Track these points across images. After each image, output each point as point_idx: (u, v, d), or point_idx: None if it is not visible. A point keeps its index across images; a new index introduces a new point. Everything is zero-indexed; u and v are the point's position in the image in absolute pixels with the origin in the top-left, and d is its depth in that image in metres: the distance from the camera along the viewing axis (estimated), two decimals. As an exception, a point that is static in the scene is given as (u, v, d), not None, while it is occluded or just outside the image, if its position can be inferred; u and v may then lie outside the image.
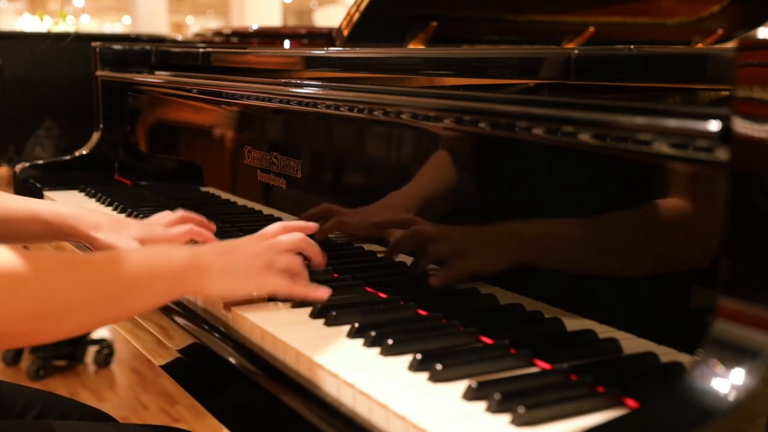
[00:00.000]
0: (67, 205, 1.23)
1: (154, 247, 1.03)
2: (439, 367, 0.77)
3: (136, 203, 1.60)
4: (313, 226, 1.09)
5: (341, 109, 1.18)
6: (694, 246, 0.77)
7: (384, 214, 1.16)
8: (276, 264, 0.97)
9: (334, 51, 1.56)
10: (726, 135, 0.67)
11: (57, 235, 1.23)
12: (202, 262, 0.92)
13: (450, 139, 1.03)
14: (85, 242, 1.21)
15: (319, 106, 1.23)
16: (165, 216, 1.24)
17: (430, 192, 1.09)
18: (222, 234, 1.28)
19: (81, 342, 3.20)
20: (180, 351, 1.05)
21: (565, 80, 0.95)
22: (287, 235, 1.02)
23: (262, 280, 0.95)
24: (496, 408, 0.70)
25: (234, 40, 3.68)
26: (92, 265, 0.86)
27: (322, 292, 0.97)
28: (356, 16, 1.87)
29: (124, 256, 0.89)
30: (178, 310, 1.05)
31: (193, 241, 1.19)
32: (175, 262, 0.90)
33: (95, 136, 2.00)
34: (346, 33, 1.89)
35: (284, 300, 1.01)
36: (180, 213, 1.24)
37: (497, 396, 0.70)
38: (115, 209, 1.58)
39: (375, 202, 1.17)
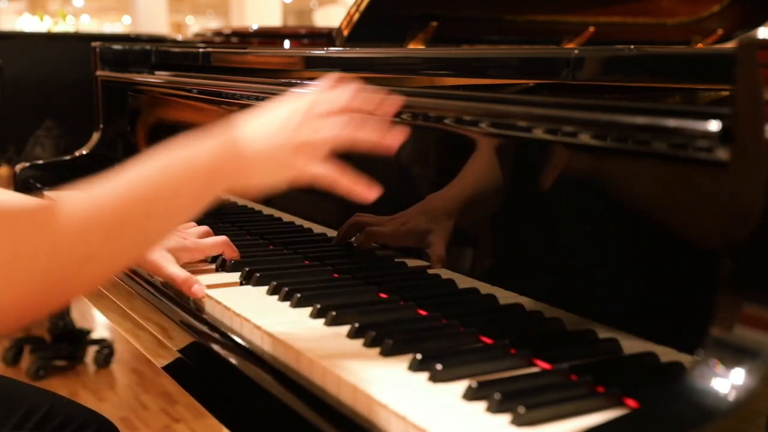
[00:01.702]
0: None
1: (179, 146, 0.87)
2: (439, 367, 0.77)
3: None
4: (398, 99, 0.92)
5: (341, 109, 1.18)
6: (693, 246, 0.77)
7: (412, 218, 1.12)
8: (319, 149, 0.86)
9: (334, 51, 1.56)
10: (726, 135, 0.67)
11: None
12: (235, 149, 0.83)
13: (450, 139, 1.03)
14: None
15: (319, 106, 1.23)
16: (191, 227, 1.21)
17: (430, 192, 1.09)
18: (222, 234, 1.28)
19: (81, 342, 3.20)
20: (180, 351, 1.05)
21: (565, 80, 0.95)
22: (333, 93, 0.88)
23: (303, 165, 0.85)
24: (496, 408, 0.70)
25: (234, 40, 3.68)
26: (102, 201, 0.76)
27: (363, 191, 0.87)
28: (356, 16, 1.88)
29: (139, 176, 0.79)
30: (178, 310, 1.05)
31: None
32: (203, 160, 0.82)
33: (95, 136, 2.00)
34: (346, 33, 1.89)
35: (284, 300, 1.01)
36: (205, 228, 1.22)
37: (497, 396, 0.70)
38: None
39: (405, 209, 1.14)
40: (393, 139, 0.87)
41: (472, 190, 1.04)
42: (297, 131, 0.86)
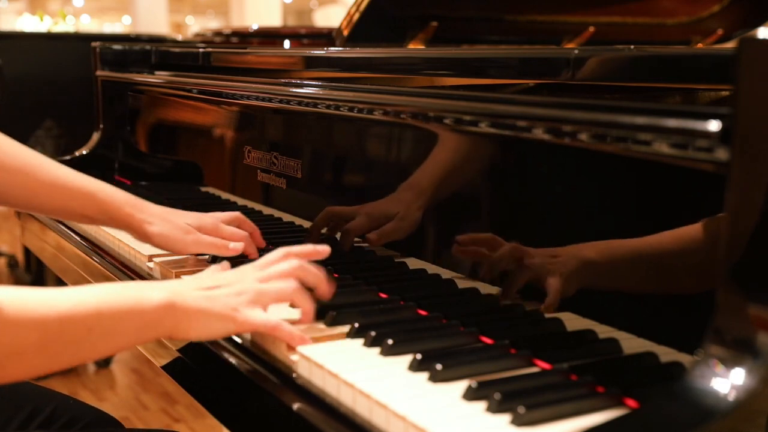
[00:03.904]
0: (122, 192, 1.19)
1: (129, 283, 0.91)
2: (439, 367, 0.77)
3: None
4: (325, 250, 0.98)
5: (341, 109, 1.18)
6: (693, 246, 0.77)
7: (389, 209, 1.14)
8: (263, 299, 0.88)
9: (334, 51, 1.56)
10: (726, 135, 0.67)
11: (109, 219, 1.19)
12: (179, 302, 0.84)
13: (450, 139, 1.03)
14: (138, 230, 1.17)
15: (319, 106, 1.23)
16: (219, 214, 1.22)
17: (428, 191, 1.09)
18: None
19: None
20: (180, 351, 1.05)
21: (565, 80, 0.95)
22: (285, 262, 0.92)
23: (243, 320, 0.86)
24: (496, 408, 0.70)
25: (234, 40, 3.68)
26: (49, 304, 0.76)
27: (305, 339, 0.87)
28: (356, 16, 1.88)
29: (88, 293, 0.80)
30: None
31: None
32: (147, 303, 0.82)
33: (95, 136, 2.00)
34: (346, 33, 1.89)
35: (284, 300, 1.01)
36: (237, 213, 1.22)
37: (497, 396, 0.70)
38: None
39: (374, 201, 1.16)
40: (330, 288, 0.94)
41: (470, 189, 1.04)
42: (241, 286, 0.89)
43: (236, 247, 1.15)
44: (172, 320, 0.84)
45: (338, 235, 1.21)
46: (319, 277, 0.94)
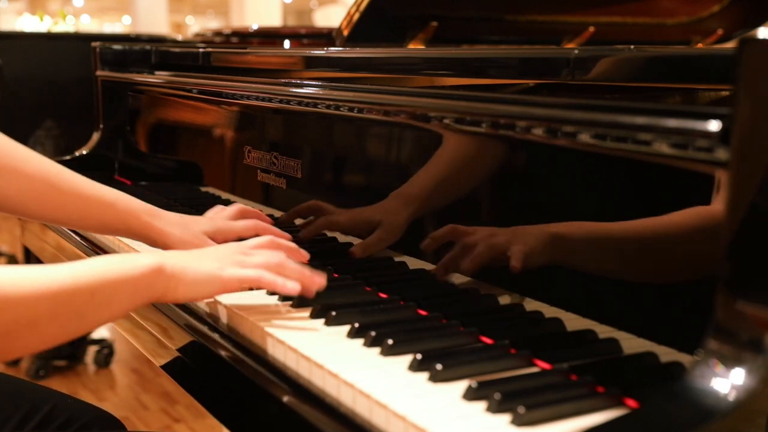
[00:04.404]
0: (139, 201, 1.19)
1: (120, 254, 0.99)
2: (439, 367, 0.77)
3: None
4: (305, 255, 1.05)
5: (341, 109, 1.18)
6: (693, 246, 0.77)
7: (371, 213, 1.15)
8: (248, 261, 0.95)
9: (334, 51, 1.56)
10: (726, 135, 0.67)
11: (126, 228, 1.18)
12: (169, 265, 0.90)
13: (450, 139, 1.03)
14: (158, 239, 1.16)
15: (319, 106, 1.23)
16: (222, 210, 1.23)
17: (420, 198, 1.09)
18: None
19: (81, 342, 3.20)
20: (180, 351, 1.05)
21: (565, 80, 0.95)
22: (268, 253, 0.98)
23: (228, 277, 0.93)
24: (496, 408, 0.70)
25: (234, 40, 3.68)
26: (52, 277, 0.82)
27: (291, 287, 0.93)
28: (356, 16, 1.88)
29: (85, 265, 0.85)
30: (177, 309, 1.05)
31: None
32: (139, 268, 0.88)
33: (95, 136, 2.00)
34: (346, 33, 1.89)
35: (284, 300, 1.01)
36: (238, 206, 1.24)
37: (497, 396, 0.70)
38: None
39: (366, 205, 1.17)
40: (318, 280, 0.97)
41: (470, 190, 1.04)
42: (226, 256, 0.95)
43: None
44: (162, 283, 0.90)
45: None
46: (300, 272, 0.96)
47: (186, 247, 1.14)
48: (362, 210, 1.17)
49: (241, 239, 1.09)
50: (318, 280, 0.97)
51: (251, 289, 1.02)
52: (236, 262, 0.95)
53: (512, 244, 0.93)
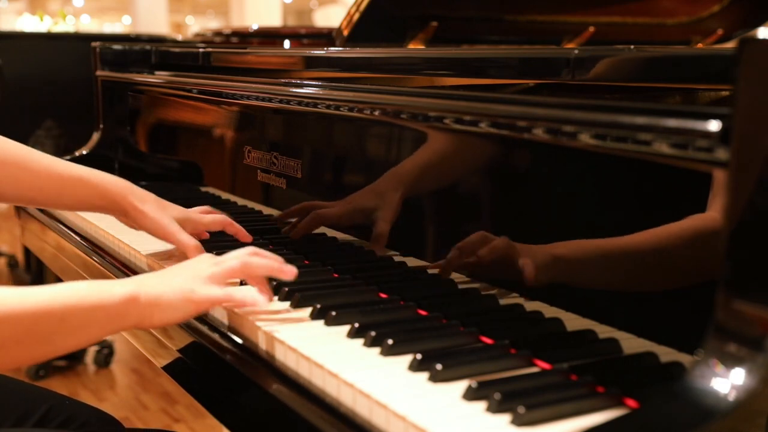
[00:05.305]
0: (113, 176, 1.23)
1: (97, 281, 0.99)
2: (439, 367, 0.77)
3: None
4: (292, 271, 1.00)
5: (341, 109, 1.18)
6: (693, 246, 0.77)
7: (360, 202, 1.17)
8: (216, 279, 0.95)
9: (334, 51, 1.56)
10: (726, 135, 0.67)
11: (103, 203, 1.22)
12: (143, 294, 0.89)
13: (449, 139, 1.03)
14: (132, 214, 1.21)
15: (319, 106, 1.23)
16: (197, 208, 1.29)
17: (425, 189, 1.09)
18: (222, 234, 1.28)
19: (81, 342, 3.19)
20: (180, 351, 1.05)
21: (565, 80, 0.95)
22: (237, 253, 0.99)
23: (200, 298, 0.92)
24: (496, 408, 0.70)
25: (234, 40, 3.68)
26: (21, 300, 0.81)
27: (261, 301, 0.94)
28: (356, 16, 1.88)
29: (59, 289, 0.84)
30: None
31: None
32: (114, 297, 0.87)
33: (95, 136, 2.00)
34: (346, 33, 1.89)
35: (284, 300, 1.01)
36: (206, 207, 1.29)
37: (497, 396, 0.70)
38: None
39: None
40: (288, 270, 0.97)
41: (470, 190, 1.04)
42: (195, 271, 0.95)
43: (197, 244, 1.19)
44: (137, 312, 0.89)
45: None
46: (270, 267, 0.97)
47: (156, 226, 1.19)
48: (350, 199, 1.18)
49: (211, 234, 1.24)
50: (288, 269, 0.97)
51: (243, 283, 1.05)
52: (206, 279, 0.94)
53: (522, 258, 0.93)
